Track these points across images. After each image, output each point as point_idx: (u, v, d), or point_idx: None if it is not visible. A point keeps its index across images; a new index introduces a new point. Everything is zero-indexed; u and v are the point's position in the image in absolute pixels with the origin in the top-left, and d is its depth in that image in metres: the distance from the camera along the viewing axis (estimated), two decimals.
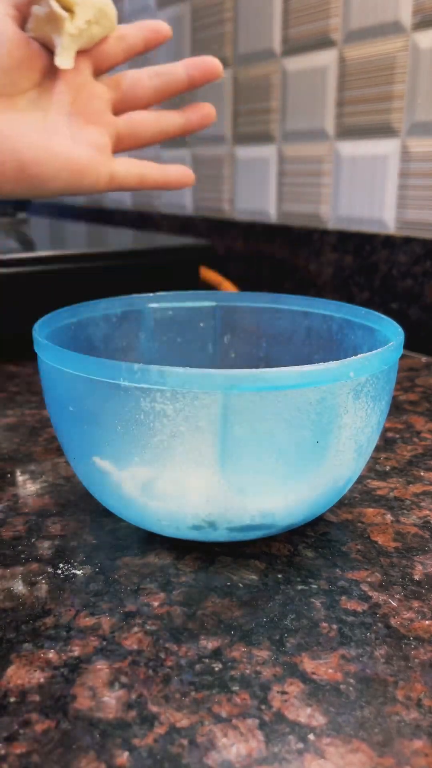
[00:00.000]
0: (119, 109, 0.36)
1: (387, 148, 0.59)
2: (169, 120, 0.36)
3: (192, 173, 0.37)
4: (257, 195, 0.75)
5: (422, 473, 0.34)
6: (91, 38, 0.33)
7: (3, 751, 0.17)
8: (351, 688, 0.20)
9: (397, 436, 0.38)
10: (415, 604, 0.23)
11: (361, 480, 0.33)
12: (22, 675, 0.20)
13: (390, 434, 0.38)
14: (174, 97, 0.37)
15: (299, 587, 0.24)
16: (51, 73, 0.33)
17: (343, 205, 0.65)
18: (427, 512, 0.30)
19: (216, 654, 0.21)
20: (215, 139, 0.81)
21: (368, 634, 0.22)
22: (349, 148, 0.63)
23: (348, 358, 0.23)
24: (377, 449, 0.36)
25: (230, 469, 0.23)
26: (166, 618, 0.22)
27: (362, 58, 0.60)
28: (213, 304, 0.36)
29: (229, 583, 0.24)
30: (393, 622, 0.22)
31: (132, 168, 0.35)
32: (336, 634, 0.22)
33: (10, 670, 0.20)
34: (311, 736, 0.18)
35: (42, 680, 0.20)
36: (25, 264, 0.53)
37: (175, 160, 0.89)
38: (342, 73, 0.62)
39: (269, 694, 0.19)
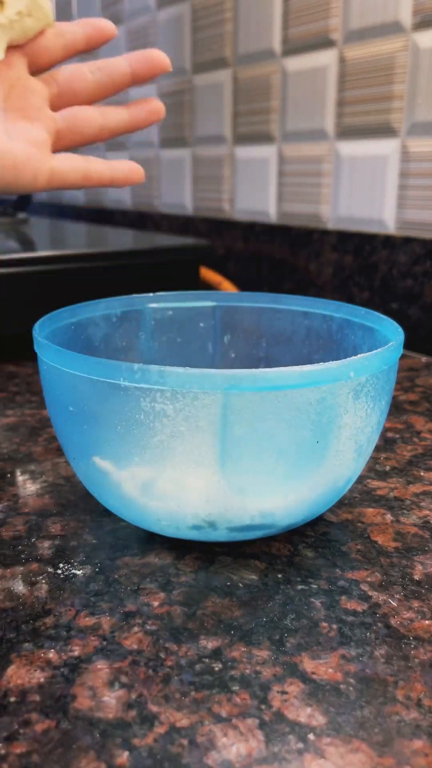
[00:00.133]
0: (58, 104, 0.34)
1: (387, 148, 0.59)
2: (114, 116, 0.35)
3: (141, 170, 0.36)
4: (257, 195, 0.75)
5: (422, 473, 0.34)
6: (24, 31, 0.32)
7: (3, 751, 0.17)
8: (351, 688, 0.20)
9: (397, 436, 0.38)
10: (415, 604, 0.23)
11: (361, 480, 0.33)
12: (22, 675, 0.20)
13: (390, 434, 0.38)
14: (119, 92, 0.36)
15: (299, 587, 0.24)
16: None
17: (343, 205, 0.65)
18: (427, 512, 0.30)
19: (216, 654, 0.21)
20: (215, 139, 0.81)
21: (368, 634, 0.22)
22: (349, 148, 0.63)
23: (348, 358, 0.23)
24: (377, 449, 0.36)
25: (230, 469, 0.23)
26: (166, 618, 0.22)
27: (362, 58, 0.60)
28: (213, 304, 0.36)
29: (229, 583, 0.24)
30: (393, 622, 0.22)
31: (74, 164, 0.33)
32: (336, 634, 0.22)
33: (10, 670, 0.20)
34: (311, 736, 0.18)
35: (42, 680, 0.20)
36: (25, 264, 0.53)
37: (174, 160, 0.89)
38: (342, 73, 0.62)
39: (269, 694, 0.19)
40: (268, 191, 0.74)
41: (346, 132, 0.63)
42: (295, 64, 0.67)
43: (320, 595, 0.24)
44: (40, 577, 0.25)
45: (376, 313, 0.30)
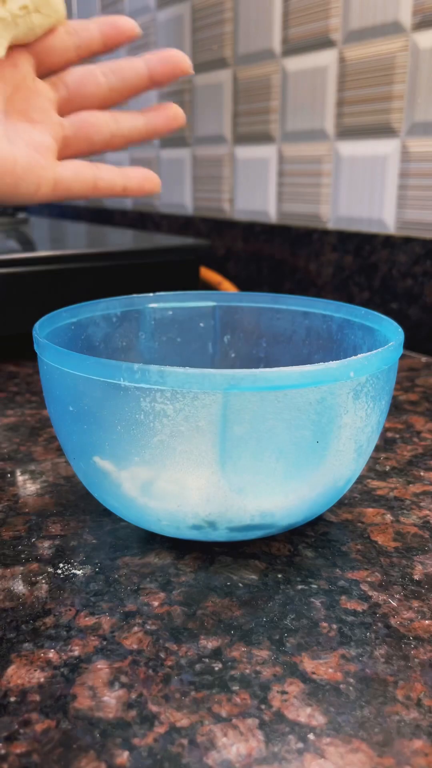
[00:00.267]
0: (67, 109, 0.31)
1: (387, 148, 0.59)
2: (128, 122, 0.32)
3: (157, 178, 0.33)
4: (257, 195, 0.75)
5: (422, 473, 0.34)
6: (31, 29, 0.29)
7: (3, 751, 0.17)
8: (351, 688, 0.20)
9: (397, 436, 0.38)
10: (415, 603, 0.23)
11: (361, 480, 0.33)
12: (22, 675, 0.20)
13: (390, 434, 0.38)
14: (136, 97, 0.33)
15: (299, 587, 0.24)
16: None
17: (343, 205, 0.65)
18: (427, 512, 0.30)
19: (216, 654, 0.21)
20: (215, 139, 0.81)
21: (368, 633, 0.22)
22: (349, 148, 0.63)
23: (348, 358, 0.23)
24: (377, 449, 0.36)
25: (230, 469, 0.23)
26: (166, 618, 0.22)
27: (362, 58, 0.60)
28: (213, 304, 0.36)
29: (229, 583, 0.24)
30: (393, 621, 0.22)
31: (81, 172, 0.30)
32: (336, 634, 0.22)
33: (10, 670, 0.20)
34: (311, 736, 0.18)
35: (42, 680, 0.20)
36: (25, 264, 0.53)
37: (174, 160, 0.89)
38: (342, 73, 0.62)
39: (269, 694, 0.19)
40: (268, 191, 0.74)
41: (346, 132, 0.63)
42: (295, 64, 0.67)
43: (320, 595, 0.24)
44: (40, 577, 0.25)
45: (376, 313, 0.30)
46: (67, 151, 0.31)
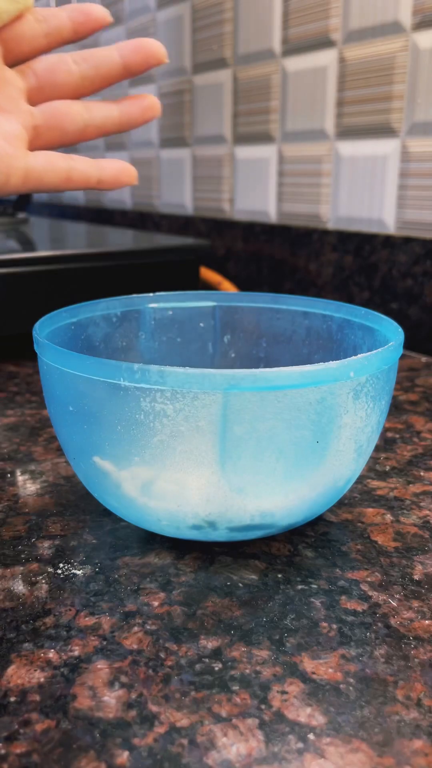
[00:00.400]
0: (38, 98, 0.30)
1: (387, 148, 0.59)
2: (102, 112, 0.31)
3: (133, 170, 0.32)
4: (257, 195, 0.75)
5: (422, 473, 0.34)
6: None
7: (3, 751, 0.17)
8: (351, 688, 0.20)
9: (397, 436, 0.38)
10: (415, 603, 0.23)
11: (361, 480, 0.33)
12: (22, 675, 0.20)
13: (390, 434, 0.38)
14: (110, 86, 0.32)
15: (299, 587, 0.24)
16: None
17: (343, 205, 0.65)
18: (427, 512, 0.30)
19: (216, 654, 0.21)
20: (215, 139, 0.81)
21: (368, 633, 0.22)
22: (349, 148, 0.63)
23: (348, 358, 0.23)
24: (377, 449, 0.36)
25: (230, 469, 0.23)
26: (166, 618, 0.22)
27: (362, 58, 0.60)
28: (213, 304, 0.36)
29: (229, 583, 0.24)
30: (393, 621, 0.22)
31: (54, 163, 0.29)
32: (336, 634, 0.22)
33: (10, 670, 0.20)
34: (311, 736, 0.18)
35: (42, 680, 0.20)
36: (25, 264, 0.53)
37: (174, 160, 0.89)
38: (342, 73, 0.62)
39: (269, 694, 0.19)
40: (268, 191, 0.74)
41: (346, 132, 0.63)
42: (295, 64, 0.67)
43: (320, 595, 0.24)
44: (40, 577, 0.25)
45: (376, 313, 0.30)
46: (38, 142, 0.31)
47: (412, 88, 0.56)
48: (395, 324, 0.28)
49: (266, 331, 0.35)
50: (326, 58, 0.64)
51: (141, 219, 0.99)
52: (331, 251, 0.66)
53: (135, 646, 0.21)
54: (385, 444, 0.37)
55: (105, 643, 0.21)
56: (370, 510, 0.30)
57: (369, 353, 0.23)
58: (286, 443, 0.23)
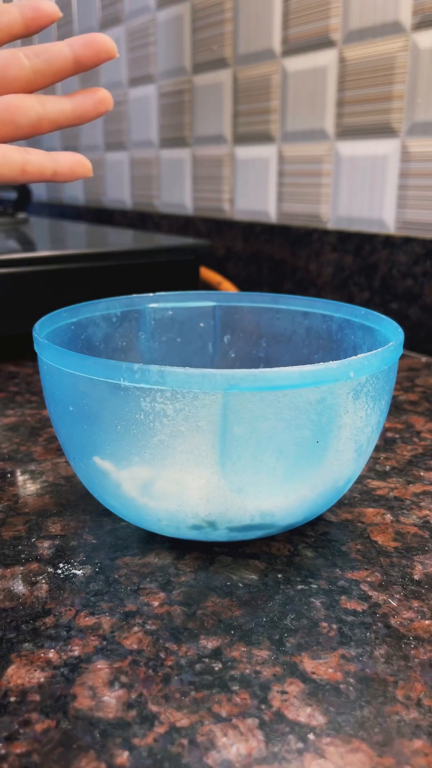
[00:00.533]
0: None
1: (387, 148, 0.59)
2: (55, 105, 0.31)
3: (88, 162, 0.32)
4: (257, 195, 0.75)
5: (422, 473, 0.34)
6: None
7: (3, 751, 0.17)
8: (351, 688, 0.20)
9: (397, 436, 0.38)
10: (415, 603, 0.23)
11: (361, 480, 0.33)
12: (22, 675, 0.20)
13: (390, 434, 0.38)
14: (62, 80, 0.32)
15: (299, 587, 0.24)
16: None
17: (343, 205, 0.65)
18: (427, 512, 0.30)
19: (216, 654, 0.21)
20: (215, 139, 0.81)
21: (368, 633, 0.22)
22: (349, 148, 0.63)
23: (348, 358, 0.23)
24: (377, 449, 0.36)
25: (230, 469, 0.23)
26: (166, 618, 0.22)
27: (362, 58, 0.60)
28: (213, 304, 0.36)
29: (229, 583, 0.24)
30: (393, 621, 0.22)
31: (9, 155, 0.30)
32: (336, 634, 0.22)
33: (10, 670, 0.20)
34: (311, 736, 0.18)
35: (42, 680, 0.20)
36: (25, 264, 0.53)
37: (174, 160, 0.89)
38: (342, 73, 0.62)
39: (269, 694, 0.19)
40: (268, 191, 0.74)
41: (346, 132, 0.63)
42: (295, 64, 0.67)
43: (320, 595, 0.24)
44: (40, 577, 0.25)
45: (376, 313, 0.30)
46: None
47: (412, 88, 0.56)
48: (395, 324, 0.28)
49: (266, 331, 0.35)
50: (326, 58, 0.64)
51: (141, 219, 0.99)
52: (331, 251, 0.66)
53: (135, 646, 0.21)
54: (385, 444, 0.37)
55: (105, 643, 0.21)
56: (370, 510, 0.30)
57: (369, 353, 0.23)
58: (286, 443, 0.23)
